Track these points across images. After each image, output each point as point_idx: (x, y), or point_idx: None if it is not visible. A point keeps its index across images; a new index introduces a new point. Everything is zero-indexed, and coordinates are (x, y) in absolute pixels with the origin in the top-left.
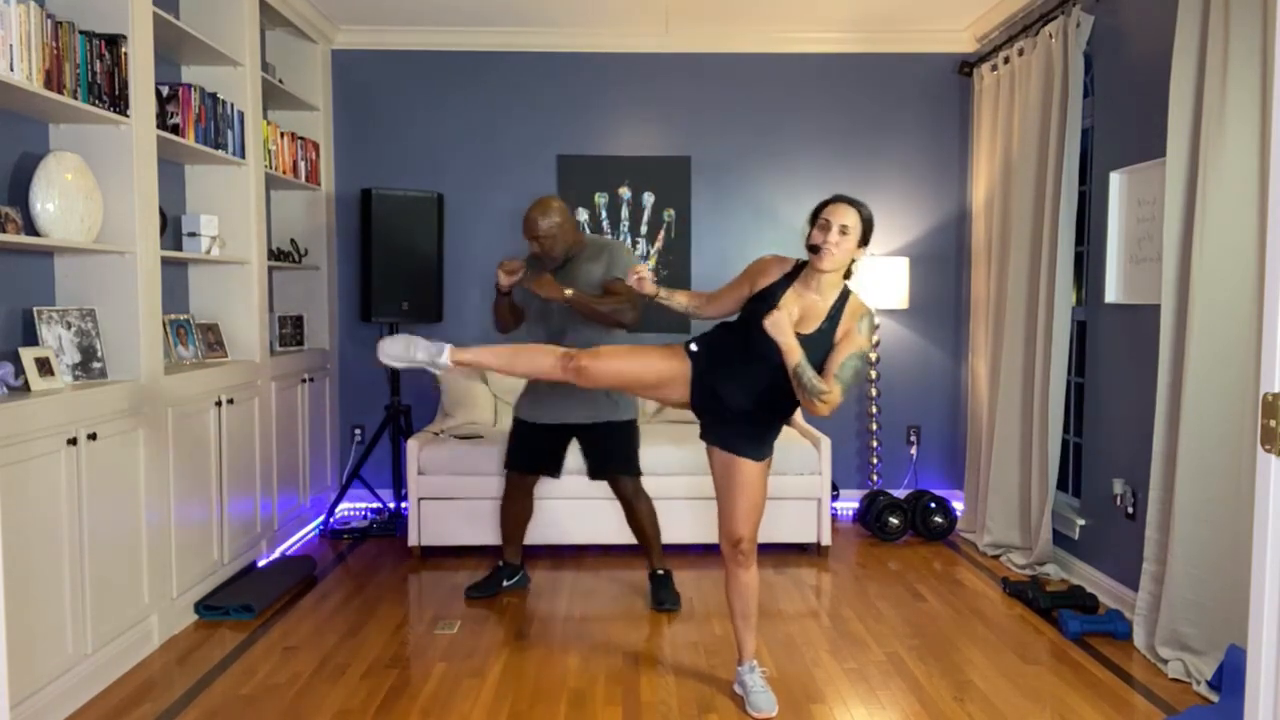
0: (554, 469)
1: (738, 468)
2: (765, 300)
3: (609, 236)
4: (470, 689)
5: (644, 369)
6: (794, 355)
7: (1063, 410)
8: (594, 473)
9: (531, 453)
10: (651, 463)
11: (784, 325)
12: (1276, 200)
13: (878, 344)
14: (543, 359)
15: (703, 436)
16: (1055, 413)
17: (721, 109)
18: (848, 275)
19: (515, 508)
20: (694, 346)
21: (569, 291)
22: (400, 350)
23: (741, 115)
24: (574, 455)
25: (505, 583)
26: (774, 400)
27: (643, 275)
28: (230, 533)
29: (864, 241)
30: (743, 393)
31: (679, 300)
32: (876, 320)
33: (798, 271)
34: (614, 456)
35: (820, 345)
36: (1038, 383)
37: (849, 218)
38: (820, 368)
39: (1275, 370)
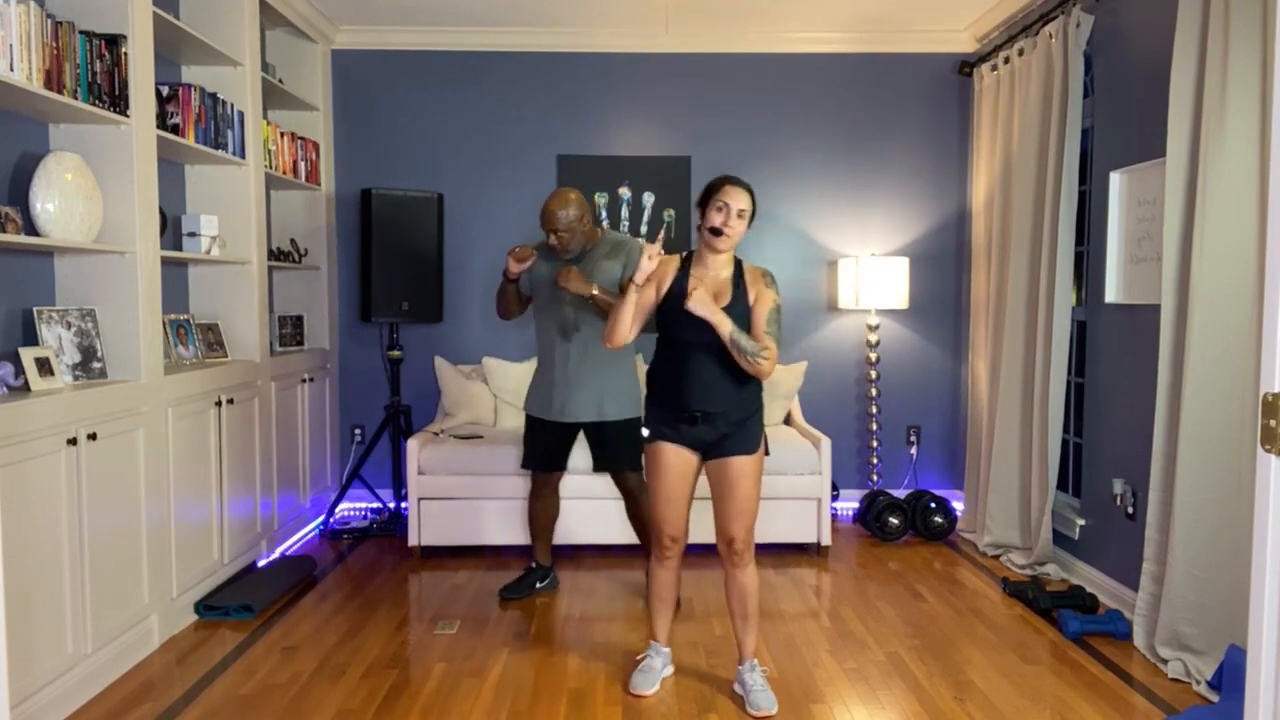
0: (561, 463)
1: (727, 467)
2: (676, 298)
3: (626, 233)
4: (470, 689)
5: (673, 490)
6: (725, 325)
7: (1063, 410)
8: (599, 467)
9: (546, 450)
10: None
11: (706, 300)
12: (1276, 200)
13: (877, 343)
14: (657, 571)
15: (705, 458)
16: (1055, 413)
17: (721, 109)
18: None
19: (541, 506)
20: (646, 432)
21: (595, 290)
22: (651, 678)
23: (741, 115)
24: (575, 456)
25: (538, 584)
26: (735, 375)
27: (653, 255)
28: (230, 533)
29: (753, 218)
30: (711, 390)
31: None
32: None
33: (688, 260)
34: (620, 453)
35: (737, 315)
36: (1038, 383)
37: (744, 201)
38: (746, 331)
39: (1275, 370)
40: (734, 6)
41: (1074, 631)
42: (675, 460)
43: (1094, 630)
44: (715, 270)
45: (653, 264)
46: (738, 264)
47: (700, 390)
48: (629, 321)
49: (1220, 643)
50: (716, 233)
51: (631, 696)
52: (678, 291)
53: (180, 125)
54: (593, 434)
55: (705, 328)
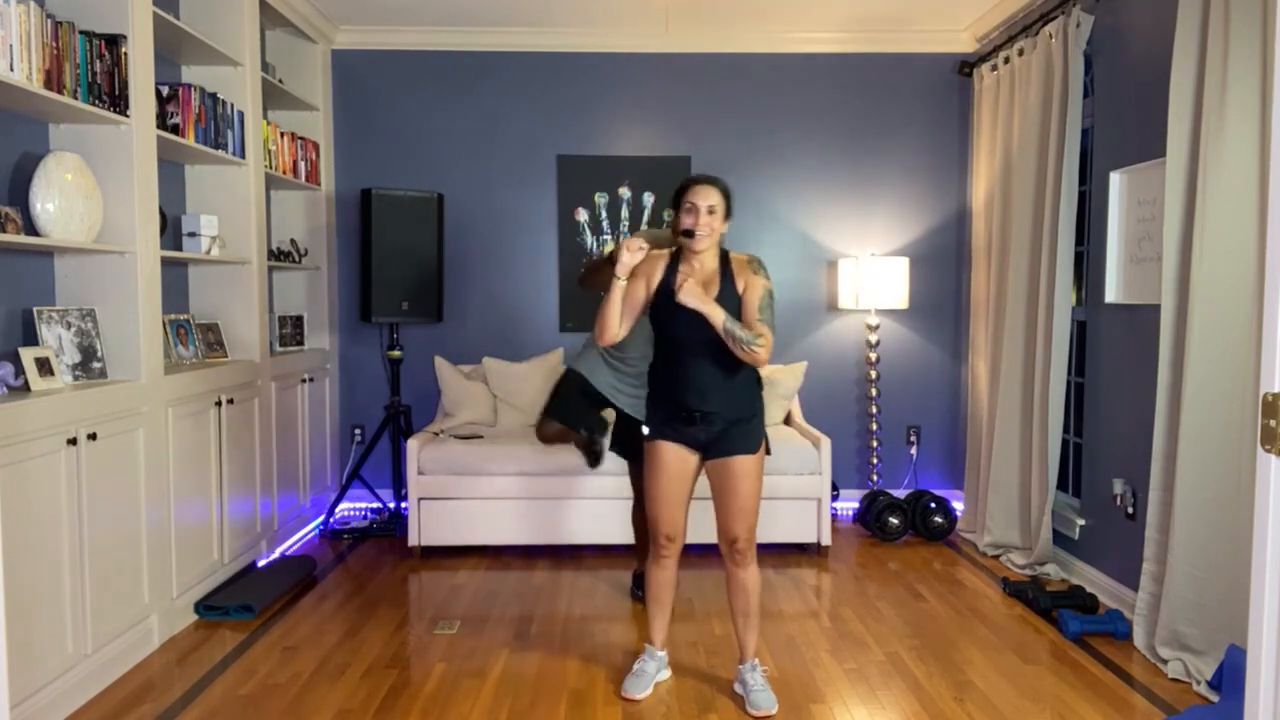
0: (586, 428)
1: (728, 466)
2: (666, 294)
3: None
4: (470, 689)
5: (672, 488)
6: (717, 315)
7: (1063, 410)
8: (629, 453)
9: (573, 412)
10: None
11: (696, 290)
12: (1276, 200)
13: (877, 343)
14: (654, 570)
15: (705, 458)
16: (1055, 413)
17: (721, 109)
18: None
19: (551, 438)
20: (646, 431)
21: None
22: (644, 681)
23: (741, 115)
24: (568, 459)
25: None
26: (731, 370)
27: (642, 245)
28: (230, 533)
29: (729, 213)
30: (709, 388)
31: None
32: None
33: (677, 257)
34: (641, 450)
35: (727, 305)
36: (1038, 383)
37: (711, 197)
38: (739, 320)
39: (1275, 370)
40: (734, 6)
41: (1074, 631)
42: (674, 459)
43: (1094, 630)
44: (701, 265)
45: (633, 256)
46: (724, 254)
47: (698, 389)
48: (617, 316)
49: (1220, 643)
50: (689, 234)
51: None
52: (667, 287)
53: (180, 125)
54: (636, 425)
55: (699, 324)
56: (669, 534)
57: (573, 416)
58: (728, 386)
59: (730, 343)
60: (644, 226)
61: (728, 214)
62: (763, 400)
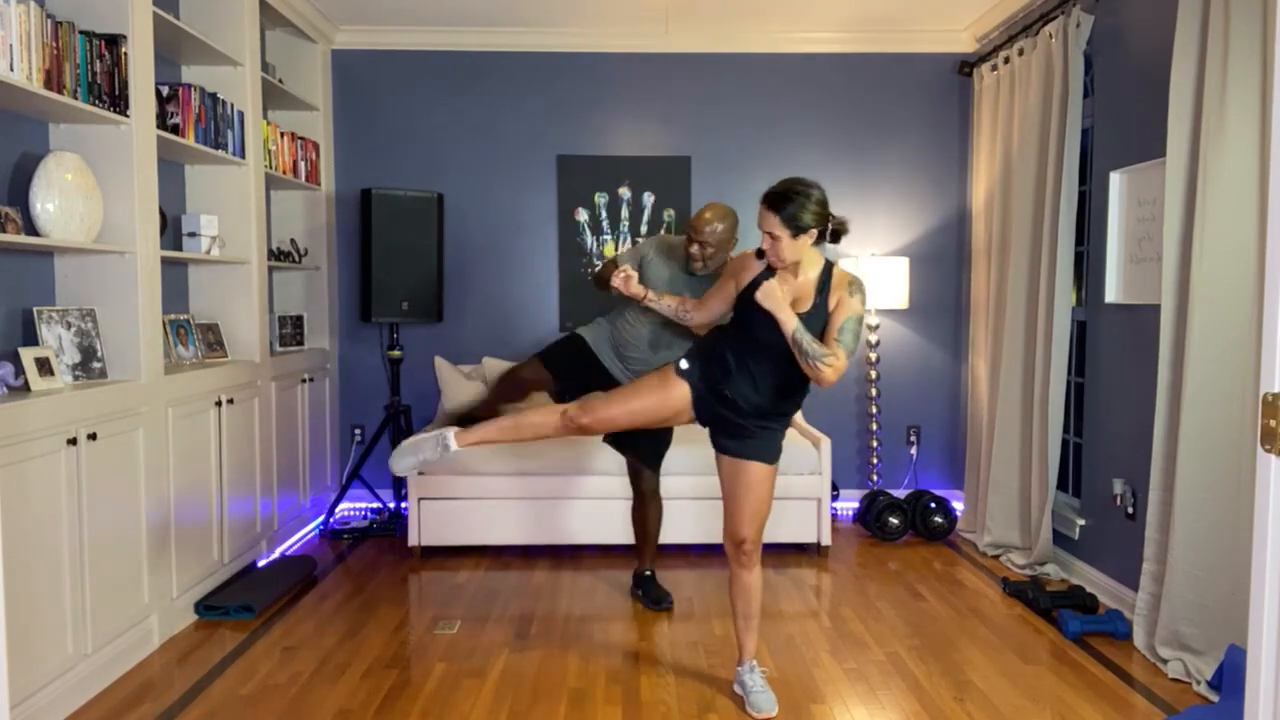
0: (570, 394)
1: (746, 470)
2: (753, 291)
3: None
4: (470, 689)
5: (643, 407)
6: (790, 322)
7: (1063, 410)
8: (623, 447)
9: (570, 370)
10: None
11: (775, 294)
12: (1276, 200)
13: (877, 343)
14: (545, 421)
15: (715, 446)
16: (1055, 413)
17: (722, 109)
18: (836, 239)
19: (517, 385)
20: (684, 364)
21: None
22: (409, 459)
23: (742, 115)
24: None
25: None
26: (784, 387)
27: (630, 274)
28: (230, 533)
29: (801, 230)
30: (754, 388)
31: (667, 303)
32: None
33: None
34: (647, 446)
35: (817, 320)
36: (1038, 383)
37: (768, 224)
38: (820, 338)
39: (1275, 370)
40: (734, 6)
41: (1074, 631)
42: (681, 401)
43: (1094, 630)
44: (799, 274)
45: (629, 284)
46: (828, 266)
47: (746, 385)
48: (716, 315)
49: (1220, 643)
50: (760, 255)
51: (632, 696)
52: (754, 288)
53: (180, 125)
54: None
55: (779, 331)
56: (592, 424)
57: (560, 367)
58: (775, 394)
59: (796, 353)
60: (644, 227)
61: (801, 230)
62: (795, 409)
